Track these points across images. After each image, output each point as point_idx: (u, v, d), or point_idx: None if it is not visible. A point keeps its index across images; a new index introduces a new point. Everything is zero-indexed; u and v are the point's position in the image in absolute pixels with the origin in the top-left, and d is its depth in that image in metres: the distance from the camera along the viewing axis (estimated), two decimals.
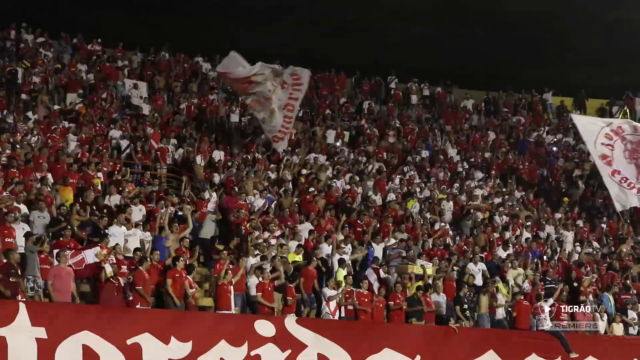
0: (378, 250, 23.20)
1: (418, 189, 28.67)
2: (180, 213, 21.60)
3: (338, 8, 44.44)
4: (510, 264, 23.40)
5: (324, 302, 19.95)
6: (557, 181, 33.95)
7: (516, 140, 37.51)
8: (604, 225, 29.83)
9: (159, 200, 21.87)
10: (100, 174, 22.76)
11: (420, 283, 21.34)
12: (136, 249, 19.07)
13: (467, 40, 45.08)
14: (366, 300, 20.31)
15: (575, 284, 23.53)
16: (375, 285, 21.24)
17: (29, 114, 26.17)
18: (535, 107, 41.79)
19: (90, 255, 18.26)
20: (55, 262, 17.77)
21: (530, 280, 22.94)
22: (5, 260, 16.92)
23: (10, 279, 16.64)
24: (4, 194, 19.44)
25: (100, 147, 24.64)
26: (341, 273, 20.93)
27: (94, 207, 20.50)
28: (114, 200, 21.42)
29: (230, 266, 19.35)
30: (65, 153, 23.30)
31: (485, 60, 44.82)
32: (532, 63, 46.10)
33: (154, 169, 26.03)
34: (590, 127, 27.42)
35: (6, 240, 17.84)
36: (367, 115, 36.14)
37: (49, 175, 21.42)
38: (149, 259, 18.53)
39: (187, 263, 19.11)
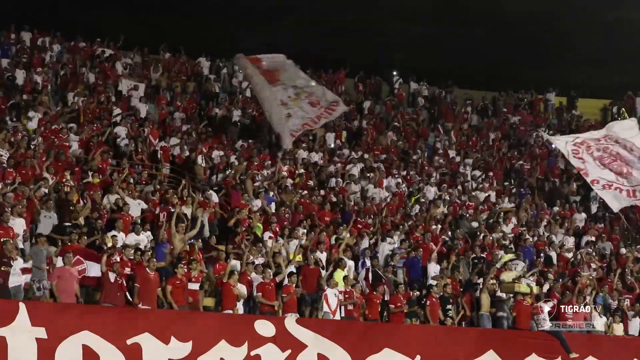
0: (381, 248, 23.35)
1: (422, 187, 28.79)
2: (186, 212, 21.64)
3: (338, 8, 44.36)
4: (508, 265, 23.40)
5: (323, 301, 19.93)
6: (556, 180, 33.94)
7: (516, 140, 37.56)
8: (603, 225, 29.84)
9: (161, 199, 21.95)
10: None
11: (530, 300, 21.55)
12: (137, 249, 19.08)
13: (467, 40, 45.02)
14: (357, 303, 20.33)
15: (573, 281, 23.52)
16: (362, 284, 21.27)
17: (30, 114, 26.17)
18: (536, 106, 41.83)
19: (92, 268, 18.27)
20: (59, 264, 17.83)
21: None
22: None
23: (2, 268, 16.71)
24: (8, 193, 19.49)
25: (101, 147, 24.69)
26: (339, 274, 20.91)
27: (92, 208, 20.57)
28: (113, 199, 21.45)
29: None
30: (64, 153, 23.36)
31: (485, 60, 44.78)
32: (532, 63, 46.05)
33: (155, 168, 26.03)
34: (564, 145, 27.59)
35: (2, 240, 17.82)
36: (368, 115, 36.17)
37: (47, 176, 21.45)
38: (154, 260, 18.52)
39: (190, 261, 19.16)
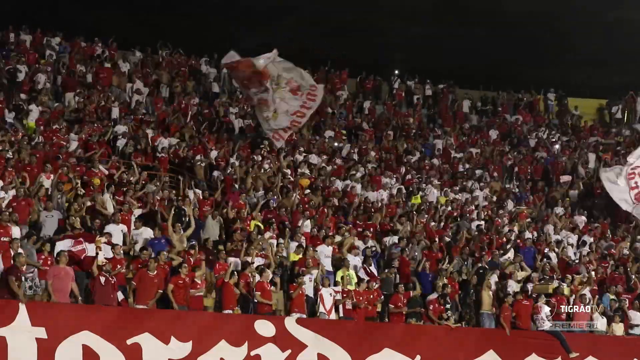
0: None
1: (422, 187, 28.81)
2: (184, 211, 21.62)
3: (338, 8, 44.46)
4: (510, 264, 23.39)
5: (319, 301, 19.90)
6: (557, 180, 33.98)
7: (516, 140, 37.59)
8: (602, 225, 29.83)
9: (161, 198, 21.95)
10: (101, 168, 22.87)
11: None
12: (142, 248, 19.05)
13: (467, 40, 45.13)
14: (361, 298, 20.29)
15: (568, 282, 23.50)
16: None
17: (30, 107, 26.18)
18: (536, 106, 41.85)
19: (91, 249, 18.30)
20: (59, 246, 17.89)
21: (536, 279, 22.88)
22: (12, 262, 16.97)
23: (17, 283, 16.65)
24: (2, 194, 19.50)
25: (99, 147, 24.71)
26: (340, 273, 20.94)
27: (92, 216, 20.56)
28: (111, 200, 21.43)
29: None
30: (65, 151, 23.41)
31: (485, 60, 44.85)
32: (532, 63, 46.15)
33: (155, 168, 26.02)
34: (614, 179, 27.72)
35: (2, 239, 17.90)
36: (367, 116, 36.19)
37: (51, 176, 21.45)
38: (153, 261, 18.47)
39: (192, 263, 19.11)
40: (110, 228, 19.43)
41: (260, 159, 27.46)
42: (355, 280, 20.87)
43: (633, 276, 24.79)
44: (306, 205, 24.53)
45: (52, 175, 21.32)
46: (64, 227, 19.39)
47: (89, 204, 20.50)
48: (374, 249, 22.68)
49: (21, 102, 27.13)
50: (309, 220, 23.17)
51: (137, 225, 20.15)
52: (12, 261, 17.05)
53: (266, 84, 25.82)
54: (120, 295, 17.92)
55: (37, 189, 20.37)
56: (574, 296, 22.31)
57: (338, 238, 22.53)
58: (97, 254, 18.12)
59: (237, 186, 24.19)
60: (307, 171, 27.60)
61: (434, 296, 21.12)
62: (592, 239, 27.79)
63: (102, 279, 17.57)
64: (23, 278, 16.95)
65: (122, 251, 18.86)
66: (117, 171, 23.27)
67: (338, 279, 20.67)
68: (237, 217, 22.16)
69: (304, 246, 21.50)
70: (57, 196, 20.29)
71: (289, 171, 26.99)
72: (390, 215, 25.72)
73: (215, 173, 25.92)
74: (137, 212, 21.13)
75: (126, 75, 32.40)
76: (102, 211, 20.48)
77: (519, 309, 21.38)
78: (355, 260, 21.72)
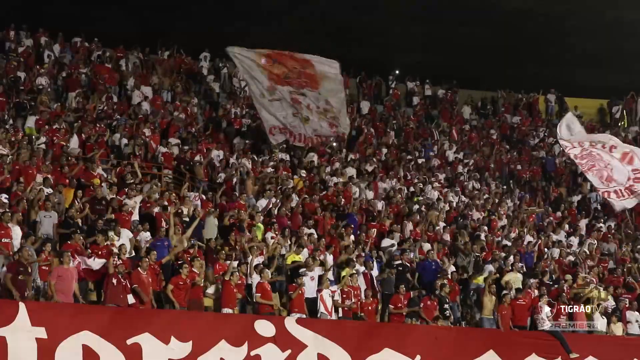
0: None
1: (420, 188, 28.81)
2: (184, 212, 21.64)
3: (338, 8, 44.38)
4: (511, 267, 23.37)
5: (320, 302, 19.88)
6: (557, 181, 34.01)
7: (516, 141, 37.59)
8: (603, 225, 29.82)
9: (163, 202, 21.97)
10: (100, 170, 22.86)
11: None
12: (136, 248, 19.05)
13: (467, 40, 45.04)
14: (355, 292, 20.29)
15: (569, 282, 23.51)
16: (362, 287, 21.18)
17: (28, 120, 26.20)
18: (535, 106, 41.87)
19: (96, 264, 18.27)
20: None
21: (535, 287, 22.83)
22: (16, 258, 16.98)
23: (20, 277, 16.70)
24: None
25: (98, 147, 24.73)
26: (347, 271, 20.93)
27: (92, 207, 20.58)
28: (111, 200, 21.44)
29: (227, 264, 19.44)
30: (66, 152, 23.42)
31: (485, 60, 44.78)
32: (532, 63, 46.07)
33: (156, 169, 26.04)
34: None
35: (2, 240, 17.91)
36: (367, 115, 36.19)
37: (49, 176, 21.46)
38: (147, 259, 18.44)
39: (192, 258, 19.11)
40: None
41: (261, 159, 27.54)
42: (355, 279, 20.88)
43: (629, 278, 24.84)
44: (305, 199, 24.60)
45: (51, 175, 21.33)
46: (65, 226, 19.40)
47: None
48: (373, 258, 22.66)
49: (25, 101, 27.12)
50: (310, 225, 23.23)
51: (136, 229, 20.13)
52: (15, 256, 17.08)
53: (308, 91, 26.27)
54: (130, 299, 17.90)
55: (36, 189, 20.36)
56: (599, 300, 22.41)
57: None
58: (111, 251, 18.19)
59: (236, 194, 24.16)
60: (303, 173, 27.63)
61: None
62: (592, 240, 27.83)
63: (115, 280, 17.59)
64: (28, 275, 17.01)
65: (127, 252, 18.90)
66: (120, 173, 23.32)
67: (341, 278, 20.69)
68: (237, 219, 22.20)
69: (304, 246, 21.51)
70: (55, 197, 20.30)
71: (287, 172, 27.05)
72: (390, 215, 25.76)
73: (219, 175, 25.98)
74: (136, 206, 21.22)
75: (127, 75, 32.42)
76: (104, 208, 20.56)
77: (514, 306, 21.34)
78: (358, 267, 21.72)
